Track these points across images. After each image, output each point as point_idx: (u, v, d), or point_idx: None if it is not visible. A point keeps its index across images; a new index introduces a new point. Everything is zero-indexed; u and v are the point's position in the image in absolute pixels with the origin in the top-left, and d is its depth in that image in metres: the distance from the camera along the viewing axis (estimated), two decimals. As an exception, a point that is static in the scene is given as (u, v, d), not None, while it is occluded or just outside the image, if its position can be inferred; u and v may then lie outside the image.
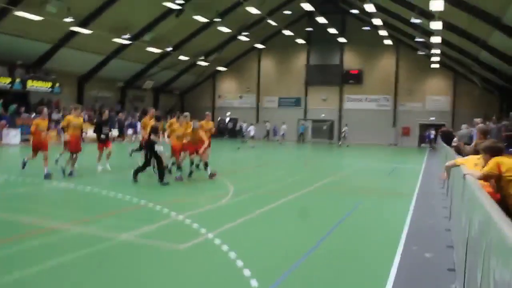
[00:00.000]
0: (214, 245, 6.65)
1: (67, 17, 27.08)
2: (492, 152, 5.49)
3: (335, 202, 11.42)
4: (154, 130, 12.56)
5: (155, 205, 9.52)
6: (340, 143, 34.93)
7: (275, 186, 13.07)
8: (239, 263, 5.78)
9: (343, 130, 38.85)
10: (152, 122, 14.03)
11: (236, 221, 8.35)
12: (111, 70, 36.40)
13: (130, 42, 33.09)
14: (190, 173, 13.44)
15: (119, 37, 31.92)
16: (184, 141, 13.25)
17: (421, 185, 14.21)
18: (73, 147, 13.18)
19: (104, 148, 14.47)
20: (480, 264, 3.06)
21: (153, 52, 36.37)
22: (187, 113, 14.15)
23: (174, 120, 14.07)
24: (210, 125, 15.21)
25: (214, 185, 12.73)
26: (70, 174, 13.05)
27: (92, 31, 29.42)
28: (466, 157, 7.36)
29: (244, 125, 39.20)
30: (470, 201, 4.50)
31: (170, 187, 12.04)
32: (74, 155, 13.29)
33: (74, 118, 13.41)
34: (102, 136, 14.34)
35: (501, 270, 2.31)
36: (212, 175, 13.40)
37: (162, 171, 12.29)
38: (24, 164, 13.38)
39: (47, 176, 12.36)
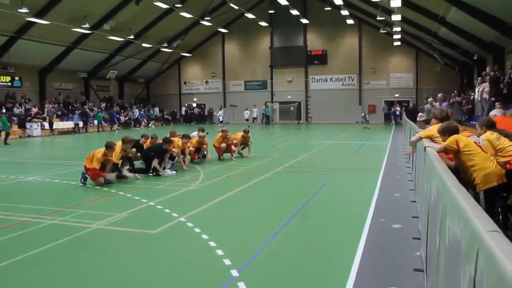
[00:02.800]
0: (186, 228, 6.75)
1: (21, 8, 26.25)
2: (450, 132, 5.92)
3: (304, 181, 11.62)
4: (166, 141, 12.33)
5: (126, 193, 9.53)
6: (365, 126, 34.37)
7: (245, 169, 13.17)
8: (212, 244, 5.89)
9: (363, 115, 37.50)
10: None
11: (207, 204, 8.44)
12: (73, 61, 35.64)
13: (91, 31, 32.40)
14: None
15: (78, 26, 31.21)
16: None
17: (388, 161, 14.57)
18: None
19: None
20: (438, 227, 3.25)
21: (115, 41, 35.78)
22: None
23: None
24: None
25: (185, 170, 12.75)
26: None
27: (49, 22, 28.67)
28: (428, 128, 7.73)
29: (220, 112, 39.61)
30: (430, 171, 4.70)
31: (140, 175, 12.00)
32: None
33: None
34: None
35: (453, 229, 2.48)
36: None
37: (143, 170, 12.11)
38: None
39: None
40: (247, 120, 41.92)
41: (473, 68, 30.53)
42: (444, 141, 5.96)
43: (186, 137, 13.32)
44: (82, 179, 10.71)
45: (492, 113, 9.39)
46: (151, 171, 11.89)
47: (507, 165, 5.65)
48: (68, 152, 20.78)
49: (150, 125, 40.14)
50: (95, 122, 35.62)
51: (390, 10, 27.16)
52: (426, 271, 4.35)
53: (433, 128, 7.03)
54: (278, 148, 19.82)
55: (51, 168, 13.76)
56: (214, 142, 14.96)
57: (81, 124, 33.28)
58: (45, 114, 31.79)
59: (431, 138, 7.04)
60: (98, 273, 5.15)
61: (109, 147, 10.78)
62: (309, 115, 44.84)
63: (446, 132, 5.99)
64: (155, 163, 11.80)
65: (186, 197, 9.37)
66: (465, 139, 5.77)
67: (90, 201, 9.05)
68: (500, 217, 5.89)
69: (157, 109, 45.26)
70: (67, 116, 34.31)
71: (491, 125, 6.29)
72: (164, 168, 12.11)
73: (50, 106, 32.79)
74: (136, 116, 40.17)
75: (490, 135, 5.99)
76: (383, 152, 16.86)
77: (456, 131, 6.01)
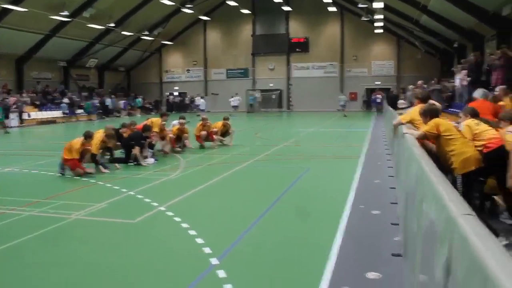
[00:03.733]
0: (167, 217, 6.70)
1: (-4, -6, 25.62)
2: (431, 114, 5.90)
3: (285, 168, 11.62)
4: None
5: (105, 183, 9.42)
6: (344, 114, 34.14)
7: (225, 157, 13.13)
8: (192, 232, 5.86)
9: (342, 103, 36.53)
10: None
11: (188, 193, 8.39)
12: (51, 49, 34.90)
13: (70, 19, 31.80)
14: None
15: (57, 14, 30.56)
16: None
17: (369, 147, 14.65)
18: None
19: None
20: (416, 212, 3.26)
21: (95, 29, 35.18)
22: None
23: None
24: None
25: (165, 159, 12.66)
26: None
27: (27, 9, 28.03)
28: (409, 111, 7.80)
29: (201, 100, 39.35)
30: (408, 157, 4.72)
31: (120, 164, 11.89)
32: None
33: None
34: None
35: (430, 213, 2.48)
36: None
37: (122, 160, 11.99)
38: None
39: None
40: (235, 107, 40.37)
41: (453, 56, 30.80)
42: (425, 123, 6.00)
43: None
44: (60, 170, 10.51)
45: (474, 94, 9.39)
46: (131, 160, 11.77)
47: (484, 149, 5.72)
48: (46, 142, 20.47)
49: (136, 115, 39.19)
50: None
51: (372, -3, 27.17)
52: (404, 255, 4.39)
53: (415, 112, 7.04)
54: (260, 136, 19.80)
55: (29, 159, 13.53)
56: (195, 131, 14.86)
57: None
58: (14, 105, 30.04)
59: (412, 122, 7.10)
60: (77, 263, 5.08)
61: (88, 136, 10.61)
62: (290, 103, 44.84)
63: (427, 114, 6.02)
64: (136, 151, 11.68)
65: (167, 186, 9.31)
66: (445, 123, 5.82)
67: (69, 192, 8.93)
68: (478, 201, 5.97)
69: (141, 99, 44.53)
70: (45, 106, 33.77)
71: (475, 114, 6.34)
72: (145, 157, 12.00)
73: (19, 96, 31.77)
74: (107, 105, 39.07)
75: (471, 121, 6.06)
76: (364, 139, 16.96)
77: (437, 113, 6.04)
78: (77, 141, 10.52)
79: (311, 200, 7.96)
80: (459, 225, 1.79)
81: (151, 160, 12.00)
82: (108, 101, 38.91)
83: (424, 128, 5.94)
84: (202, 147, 14.73)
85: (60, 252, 5.44)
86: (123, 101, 41.03)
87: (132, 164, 11.67)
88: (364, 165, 11.34)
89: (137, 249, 5.50)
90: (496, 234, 6.67)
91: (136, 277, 4.66)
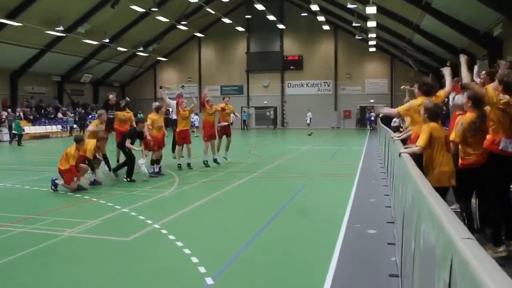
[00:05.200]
0: (161, 235, 6.65)
1: (-9, 9, 25.69)
2: (431, 115, 5.67)
3: (280, 186, 11.61)
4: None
5: (99, 199, 9.36)
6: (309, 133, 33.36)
7: (220, 174, 13.10)
8: (187, 251, 5.81)
9: (307, 119, 35.70)
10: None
11: (182, 211, 8.35)
12: (46, 64, 35.00)
13: (65, 34, 31.90)
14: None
15: (52, 29, 30.68)
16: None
17: (363, 166, 14.68)
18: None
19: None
20: (413, 233, 3.25)
21: (90, 44, 35.31)
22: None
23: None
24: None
25: (160, 176, 12.60)
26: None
27: (21, 24, 28.09)
28: (408, 104, 7.39)
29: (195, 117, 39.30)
30: (405, 177, 4.73)
31: (114, 180, 11.84)
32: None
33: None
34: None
35: (428, 235, 2.48)
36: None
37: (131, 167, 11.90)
38: None
39: None
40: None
41: (446, 75, 31.09)
42: (424, 121, 5.81)
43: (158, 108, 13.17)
44: (53, 186, 10.43)
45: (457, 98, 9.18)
46: (125, 177, 11.69)
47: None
48: (40, 157, 20.34)
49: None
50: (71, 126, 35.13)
51: (366, 17, 27.50)
52: (401, 276, 4.36)
53: (415, 105, 6.74)
54: (254, 153, 19.80)
55: (22, 174, 13.44)
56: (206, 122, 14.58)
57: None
58: (5, 119, 30.09)
59: (408, 115, 6.93)
60: (70, 282, 5.01)
61: (79, 140, 10.63)
62: (285, 120, 44.98)
63: (428, 113, 5.72)
64: (127, 144, 11.70)
65: (161, 203, 9.25)
66: (438, 130, 5.58)
67: (62, 208, 8.85)
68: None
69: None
70: (39, 122, 33.66)
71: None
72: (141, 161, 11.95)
73: (10, 110, 31.56)
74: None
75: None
76: (358, 158, 16.99)
77: (437, 116, 5.73)
78: (71, 148, 10.47)
79: (306, 218, 7.92)
80: (459, 248, 1.78)
81: (142, 161, 11.90)
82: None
83: (419, 142, 5.67)
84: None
85: (52, 271, 5.36)
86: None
87: (126, 180, 11.60)
88: (359, 183, 11.35)
89: (131, 267, 5.44)
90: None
91: (130, 296, 4.60)
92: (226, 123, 15.14)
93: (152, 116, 12.85)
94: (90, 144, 10.83)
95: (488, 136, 5.56)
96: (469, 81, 5.81)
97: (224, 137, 15.14)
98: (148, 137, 12.12)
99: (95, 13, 32.11)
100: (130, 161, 11.82)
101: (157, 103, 13.71)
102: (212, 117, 14.59)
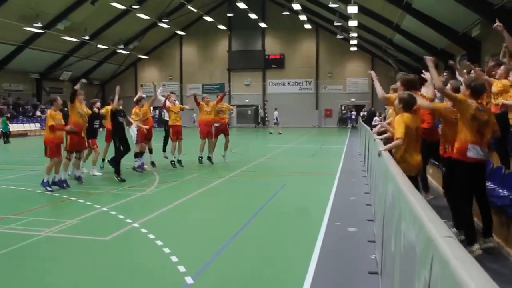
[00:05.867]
0: (140, 234, 6.57)
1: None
2: (405, 105, 5.66)
3: (261, 185, 11.59)
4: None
5: (78, 199, 9.22)
6: (271, 131, 33.20)
7: (201, 172, 13.03)
8: (166, 250, 5.75)
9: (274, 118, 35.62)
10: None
11: (162, 210, 8.27)
12: (24, 61, 34.41)
13: (43, 31, 31.39)
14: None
15: (30, 25, 30.15)
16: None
17: (344, 164, 14.75)
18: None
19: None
20: (393, 231, 3.25)
21: (69, 41, 34.83)
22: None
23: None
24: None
25: (139, 174, 12.48)
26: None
27: (-1, 19, 27.61)
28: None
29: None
30: (385, 175, 4.74)
31: (93, 178, 11.68)
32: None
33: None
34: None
35: (408, 233, 2.48)
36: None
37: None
38: None
39: None
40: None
41: (425, 75, 31.49)
42: (399, 111, 5.78)
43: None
44: (48, 187, 9.90)
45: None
46: (117, 176, 11.43)
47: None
48: (19, 156, 19.99)
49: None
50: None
51: (347, 16, 27.66)
52: (381, 274, 4.37)
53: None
54: (235, 151, 19.75)
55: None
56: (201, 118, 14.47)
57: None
58: None
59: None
60: (46, 284, 4.91)
61: (52, 101, 10.29)
62: (266, 119, 45.02)
63: (401, 102, 5.71)
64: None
65: (141, 202, 9.15)
66: (410, 122, 5.55)
67: (39, 208, 8.69)
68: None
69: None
70: (17, 120, 33.10)
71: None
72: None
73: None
74: None
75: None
76: (339, 156, 17.07)
77: (412, 106, 5.69)
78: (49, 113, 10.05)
79: (287, 217, 7.91)
80: (439, 247, 1.78)
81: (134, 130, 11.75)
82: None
83: (397, 136, 5.62)
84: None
85: (27, 272, 5.22)
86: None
87: (117, 179, 11.33)
88: (340, 181, 11.39)
89: (109, 267, 5.35)
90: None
91: (108, 297, 4.52)
92: (221, 123, 14.86)
93: (135, 109, 13.00)
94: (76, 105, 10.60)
95: (456, 144, 5.59)
96: (440, 83, 5.79)
97: (222, 136, 14.94)
98: (139, 124, 12.36)
99: (75, 10, 31.66)
100: (121, 152, 11.63)
101: (137, 96, 13.67)
102: (209, 115, 14.26)
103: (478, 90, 5.53)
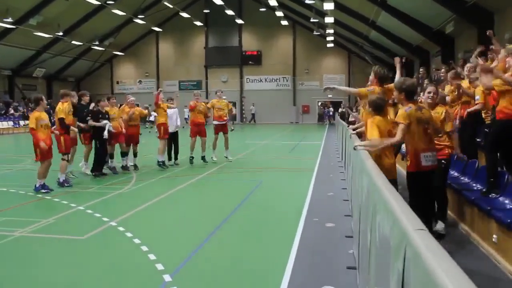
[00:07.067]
0: (118, 233, 6.52)
1: None
2: (375, 108, 5.56)
3: (239, 181, 11.60)
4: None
5: (53, 197, 9.09)
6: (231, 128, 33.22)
7: (179, 170, 12.96)
8: (144, 248, 5.72)
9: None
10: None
11: (139, 207, 8.21)
12: (-5, 58, 33.58)
13: (14, 26, 30.68)
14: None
15: (0, 21, 29.42)
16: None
17: (321, 160, 14.86)
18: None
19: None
20: (369, 225, 3.30)
21: (42, 37, 34.11)
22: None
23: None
24: None
25: (116, 173, 12.35)
26: None
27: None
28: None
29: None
30: (360, 170, 4.80)
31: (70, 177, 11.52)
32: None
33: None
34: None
35: (383, 227, 2.52)
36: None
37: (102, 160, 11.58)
38: None
39: None
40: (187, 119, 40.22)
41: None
42: (370, 114, 5.73)
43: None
44: (43, 190, 9.51)
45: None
46: (94, 172, 11.36)
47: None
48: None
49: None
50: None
51: (324, 13, 27.79)
52: (359, 268, 4.43)
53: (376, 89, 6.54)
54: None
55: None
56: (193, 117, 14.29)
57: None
58: None
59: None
60: (20, 285, 4.82)
61: (38, 100, 9.73)
62: (243, 116, 45.02)
63: (371, 106, 5.64)
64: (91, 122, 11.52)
65: (118, 200, 9.07)
66: (381, 124, 5.44)
67: (13, 207, 8.53)
68: None
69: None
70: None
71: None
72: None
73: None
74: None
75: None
76: (316, 152, 17.18)
77: (382, 109, 5.58)
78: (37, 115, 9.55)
79: (265, 213, 7.94)
80: (412, 239, 1.82)
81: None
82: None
83: (372, 137, 5.60)
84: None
85: (0, 273, 5.11)
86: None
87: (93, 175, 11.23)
88: (317, 177, 11.48)
89: (86, 267, 5.29)
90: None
91: (85, 296, 4.48)
92: (219, 122, 14.54)
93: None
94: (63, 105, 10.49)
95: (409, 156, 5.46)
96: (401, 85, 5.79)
97: (221, 134, 14.61)
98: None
99: (48, 5, 30.96)
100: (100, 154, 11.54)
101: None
102: (200, 115, 14.00)
103: (411, 91, 5.35)
